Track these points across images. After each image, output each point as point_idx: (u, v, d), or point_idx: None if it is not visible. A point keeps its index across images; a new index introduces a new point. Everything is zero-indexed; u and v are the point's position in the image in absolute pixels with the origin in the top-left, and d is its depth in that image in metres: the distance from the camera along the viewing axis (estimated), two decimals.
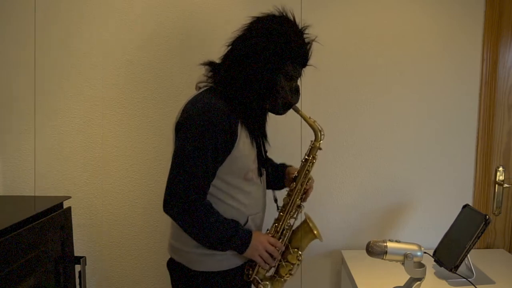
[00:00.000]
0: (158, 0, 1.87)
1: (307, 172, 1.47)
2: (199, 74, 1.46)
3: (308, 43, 1.39)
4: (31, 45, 1.87)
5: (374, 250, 1.39)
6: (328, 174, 1.96)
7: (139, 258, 1.98)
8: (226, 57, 1.39)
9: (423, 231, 1.99)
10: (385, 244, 1.39)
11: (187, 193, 1.29)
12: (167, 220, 1.93)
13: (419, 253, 1.39)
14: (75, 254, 1.60)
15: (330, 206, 1.98)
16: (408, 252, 1.38)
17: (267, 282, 1.46)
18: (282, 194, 1.53)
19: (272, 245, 1.41)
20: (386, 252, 1.38)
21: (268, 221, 1.52)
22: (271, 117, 1.49)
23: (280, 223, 1.46)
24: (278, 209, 1.51)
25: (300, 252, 1.46)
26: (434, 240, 1.78)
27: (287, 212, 1.46)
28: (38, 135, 1.91)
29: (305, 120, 1.44)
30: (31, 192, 1.93)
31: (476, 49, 1.92)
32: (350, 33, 1.91)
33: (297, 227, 1.50)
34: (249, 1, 1.85)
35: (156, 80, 1.90)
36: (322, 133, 1.46)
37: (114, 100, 1.91)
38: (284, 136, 1.90)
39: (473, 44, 1.92)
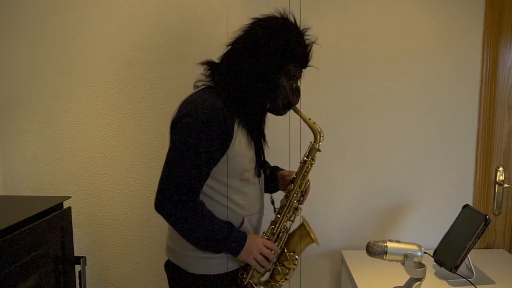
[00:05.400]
0: (158, 0, 1.87)
1: (305, 173, 1.45)
2: (199, 74, 1.46)
3: (309, 44, 1.38)
4: (31, 46, 1.87)
5: (374, 250, 1.39)
6: (328, 174, 1.96)
7: (139, 258, 1.98)
8: (226, 56, 1.37)
9: (423, 231, 1.99)
10: (385, 244, 1.39)
11: (178, 193, 1.26)
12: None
13: (419, 253, 1.39)
14: (75, 254, 1.60)
15: (330, 206, 1.98)
16: (408, 252, 1.38)
17: (262, 287, 1.43)
18: (279, 196, 1.51)
19: (268, 248, 1.38)
20: (386, 252, 1.38)
21: (266, 223, 1.51)
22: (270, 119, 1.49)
23: (277, 226, 1.43)
24: (275, 211, 1.48)
25: (296, 256, 1.43)
26: (434, 240, 1.79)
27: (284, 215, 1.43)
28: (38, 135, 1.91)
29: (305, 121, 1.43)
30: (31, 192, 1.93)
31: (476, 49, 1.92)
32: (350, 33, 1.91)
33: (294, 231, 1.48)
34: (250, 2, 1.85)
35: (156, 80, 1.90)
36: (321, 134, 1.44)
37: (114, 100, 1.91)
38: (283, 138, 1.90)
39: (473, 44, 1.92)
